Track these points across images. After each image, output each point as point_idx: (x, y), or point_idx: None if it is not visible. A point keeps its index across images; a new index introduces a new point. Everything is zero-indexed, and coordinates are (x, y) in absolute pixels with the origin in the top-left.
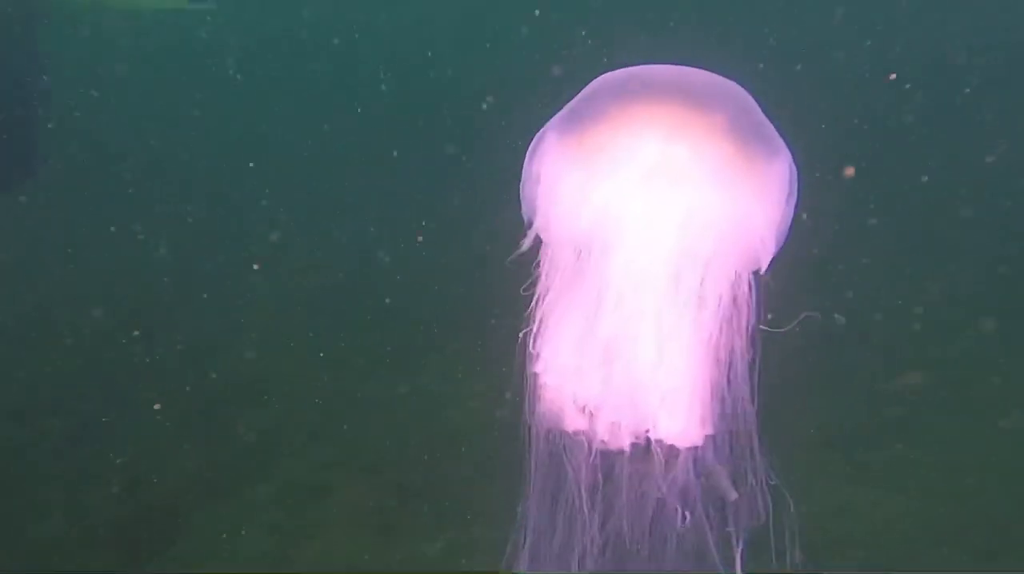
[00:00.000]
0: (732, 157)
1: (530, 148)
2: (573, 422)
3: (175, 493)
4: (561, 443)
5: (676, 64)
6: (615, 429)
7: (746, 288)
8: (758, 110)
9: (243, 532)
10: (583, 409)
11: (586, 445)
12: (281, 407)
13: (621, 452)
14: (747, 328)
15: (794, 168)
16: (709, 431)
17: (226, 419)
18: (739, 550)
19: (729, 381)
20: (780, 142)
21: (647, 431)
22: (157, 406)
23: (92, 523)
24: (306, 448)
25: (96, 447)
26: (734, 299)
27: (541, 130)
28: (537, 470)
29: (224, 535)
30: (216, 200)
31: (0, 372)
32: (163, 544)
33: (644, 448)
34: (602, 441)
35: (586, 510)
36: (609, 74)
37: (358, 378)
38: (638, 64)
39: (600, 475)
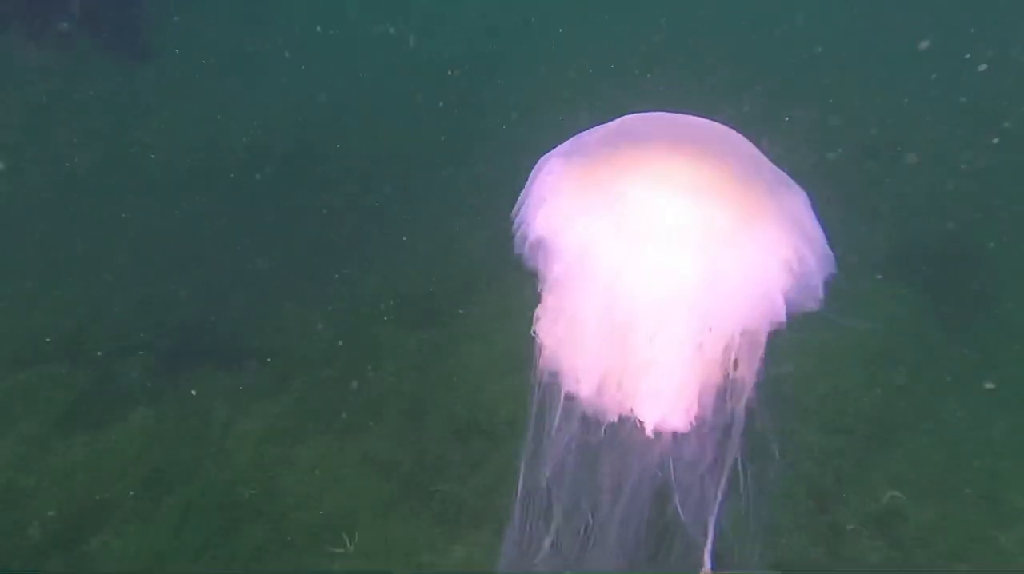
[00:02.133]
0: (738, 200)
1: (535, 169)
2: (568, 384)
3: (457, 287)
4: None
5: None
6: (604, 396)
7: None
8: (764, 159)
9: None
10: (577, 374)
11: (577, 409)
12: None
13: (609, 421)
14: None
15: (808, 207)
16: (691, 419)
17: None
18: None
19: (723, 382)
20: (789, 185)
21: (633, 409)
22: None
23: (397, 303)
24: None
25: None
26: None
27: (547, 155)
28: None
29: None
30: None
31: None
32: (445, 319)
33: (630, 423)
34: (591, 406)
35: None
36: (627, 116)
37: None
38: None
39: (588, 437)
